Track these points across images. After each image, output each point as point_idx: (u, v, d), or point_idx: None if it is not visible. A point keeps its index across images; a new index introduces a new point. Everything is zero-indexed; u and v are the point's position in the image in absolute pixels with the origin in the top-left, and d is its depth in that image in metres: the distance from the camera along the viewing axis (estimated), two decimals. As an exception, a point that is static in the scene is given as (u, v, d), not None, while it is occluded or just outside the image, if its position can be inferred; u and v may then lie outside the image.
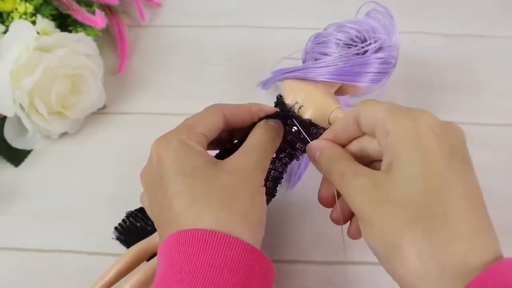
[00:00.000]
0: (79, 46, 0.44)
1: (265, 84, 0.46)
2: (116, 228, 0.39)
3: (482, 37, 0.53)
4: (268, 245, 0.37)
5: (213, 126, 0.31)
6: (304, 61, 0.40)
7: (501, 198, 0.42)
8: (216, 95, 0.48)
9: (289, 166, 0.42)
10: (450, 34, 0.53)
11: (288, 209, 0.41)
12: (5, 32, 0.43)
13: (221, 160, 0.29)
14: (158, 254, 0.28)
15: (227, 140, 0.35)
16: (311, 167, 0.43)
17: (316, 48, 0.38)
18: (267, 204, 0.33)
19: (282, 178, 0.35)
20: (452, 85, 0.49)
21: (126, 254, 0.34)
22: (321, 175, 0.42)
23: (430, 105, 0.47)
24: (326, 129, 0.36)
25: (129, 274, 0.33)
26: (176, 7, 0.56)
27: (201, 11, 0.56)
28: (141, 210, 0.39)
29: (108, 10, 0.52)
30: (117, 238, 0.39)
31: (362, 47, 0.36)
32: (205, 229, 0.25)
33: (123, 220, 0.39)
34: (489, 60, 0.51)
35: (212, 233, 0.25)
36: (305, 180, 0.42)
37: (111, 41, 0.52)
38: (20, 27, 0.42)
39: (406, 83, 0.49)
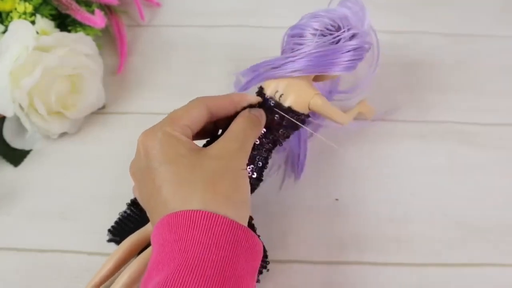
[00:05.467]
0: (78, 46, 0.44)
1: (244, 89, 0.45)
2: (109, 230, 0.39)
3: (482, 37, 0.53)
4: (268, 245, 0.37)
5: (196, 118, 0.32)
6: (282, 53, 0.41)
7: (501, 198, 0.42)
8: (216, 94, 0.48)
9: (290, 158, 0.43)
10: (450, 33, 0.53)
11: (288, 210, 0.41)
12: (4, 32, 0.43)
13: (204, 148, 0.31)
14: (151, 239, 0.29)
15: (213, 131, 0.36)
16: (309, 156, 0.43)
17: (293, 40, 0.39)
18: (256, 188, 0.35)
19: (267, 163, 0.36)
20: (452, 85, 0.49)
21: (119, 248, 0.35)
22: (318, 175, 0.43)
23: (430, 105, 0.47)
24: (306, 115, 0.38)
25: (121, 271, 0.33)
26: (176, 7, 0.56)
27: (201, 11, 0.55)
28: (131, 206, 0.40)
29: (108, 10, 0.52)
30: (112, 240, 0.39)
31: (336, 36, 0.37)
32: (192, 210, 0.27)
33: (116, 222, 0.39)
34: (489, 60, 0.51)
35: (199, 212, 0.27)
36: (305, 181, 0.42)
37: (111, 41, 0.52)
38: (19, 27, 0.41)
39: (406, 82, 0.49)
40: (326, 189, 0.42)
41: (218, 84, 0.49)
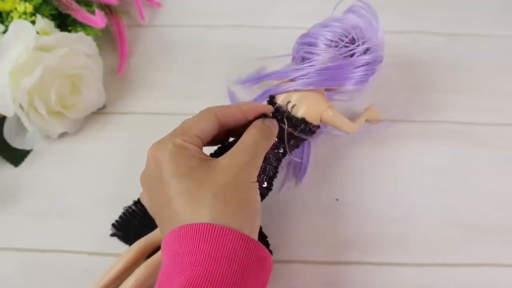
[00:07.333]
0: (78, 46, 0.44)
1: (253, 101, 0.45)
2: (113, 224, 0.39)
3: (482, 37, 0.53)
4: (268, 245, 0.37)
5: (207, 128, 0.32)
6: (292, 60, 0.41)
7: (501, 198, 0.42)
8: (216, 95, 0.48)
9: (292, 162, 0.43)
10: (451, 33, 0.53)
11: (288, 209, 0.41)
12: (4, 32, 0.43)
13: (215, 159, 0.31)
14: (161, 250, 0.29)
15: (224, 138, 0.36)
16: (312, 160, 0.43)
17: (303, 48, 0.39)
18: (264, 197, 0.35)
19: (277, 172, 0.36)
20: (452, 85, 0.49)
21: (128, 250, 0.35)
22: (319, 175, 0.43)
23: (430, 105, 0.47)
24: (317, 126, 0.38)
25: (129, 273, 0.34)
26: (176, 7, 0.56)
27: (201, 11, 0.55)
28: (137, 203, 0.40)
29: (108, 10, 0.52)
30: (115, 234, 0.39)
31: (351, 50, 0.37)
32: (203, 223, 0.27)
33: (120, 217, 0.40)
34: (489, 60, 0.51)
35: (210, 225, 0.27)
36: (305, 180, 0.42)
37: (111, 41, 0.52)
38: (19, 27, 0.41)
39: (406, 83, 0.49)
40: (327, 189, 0.42)
41: (218, 84, 0.49)
